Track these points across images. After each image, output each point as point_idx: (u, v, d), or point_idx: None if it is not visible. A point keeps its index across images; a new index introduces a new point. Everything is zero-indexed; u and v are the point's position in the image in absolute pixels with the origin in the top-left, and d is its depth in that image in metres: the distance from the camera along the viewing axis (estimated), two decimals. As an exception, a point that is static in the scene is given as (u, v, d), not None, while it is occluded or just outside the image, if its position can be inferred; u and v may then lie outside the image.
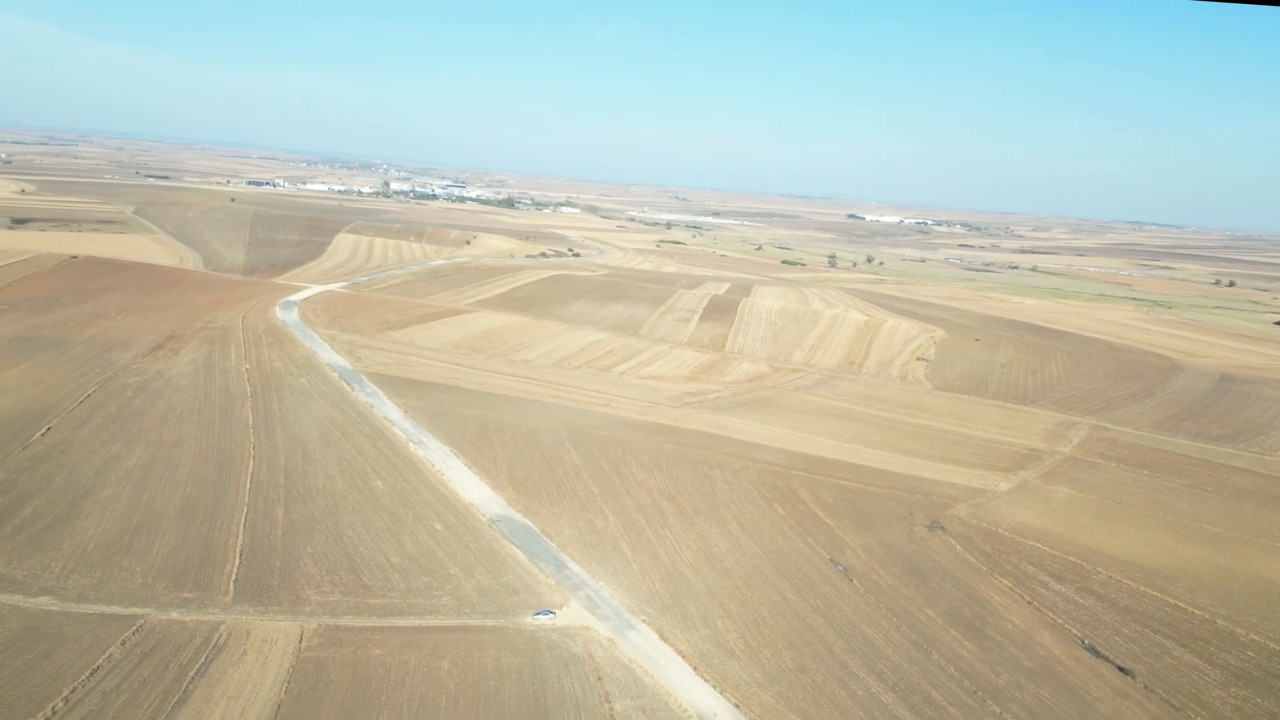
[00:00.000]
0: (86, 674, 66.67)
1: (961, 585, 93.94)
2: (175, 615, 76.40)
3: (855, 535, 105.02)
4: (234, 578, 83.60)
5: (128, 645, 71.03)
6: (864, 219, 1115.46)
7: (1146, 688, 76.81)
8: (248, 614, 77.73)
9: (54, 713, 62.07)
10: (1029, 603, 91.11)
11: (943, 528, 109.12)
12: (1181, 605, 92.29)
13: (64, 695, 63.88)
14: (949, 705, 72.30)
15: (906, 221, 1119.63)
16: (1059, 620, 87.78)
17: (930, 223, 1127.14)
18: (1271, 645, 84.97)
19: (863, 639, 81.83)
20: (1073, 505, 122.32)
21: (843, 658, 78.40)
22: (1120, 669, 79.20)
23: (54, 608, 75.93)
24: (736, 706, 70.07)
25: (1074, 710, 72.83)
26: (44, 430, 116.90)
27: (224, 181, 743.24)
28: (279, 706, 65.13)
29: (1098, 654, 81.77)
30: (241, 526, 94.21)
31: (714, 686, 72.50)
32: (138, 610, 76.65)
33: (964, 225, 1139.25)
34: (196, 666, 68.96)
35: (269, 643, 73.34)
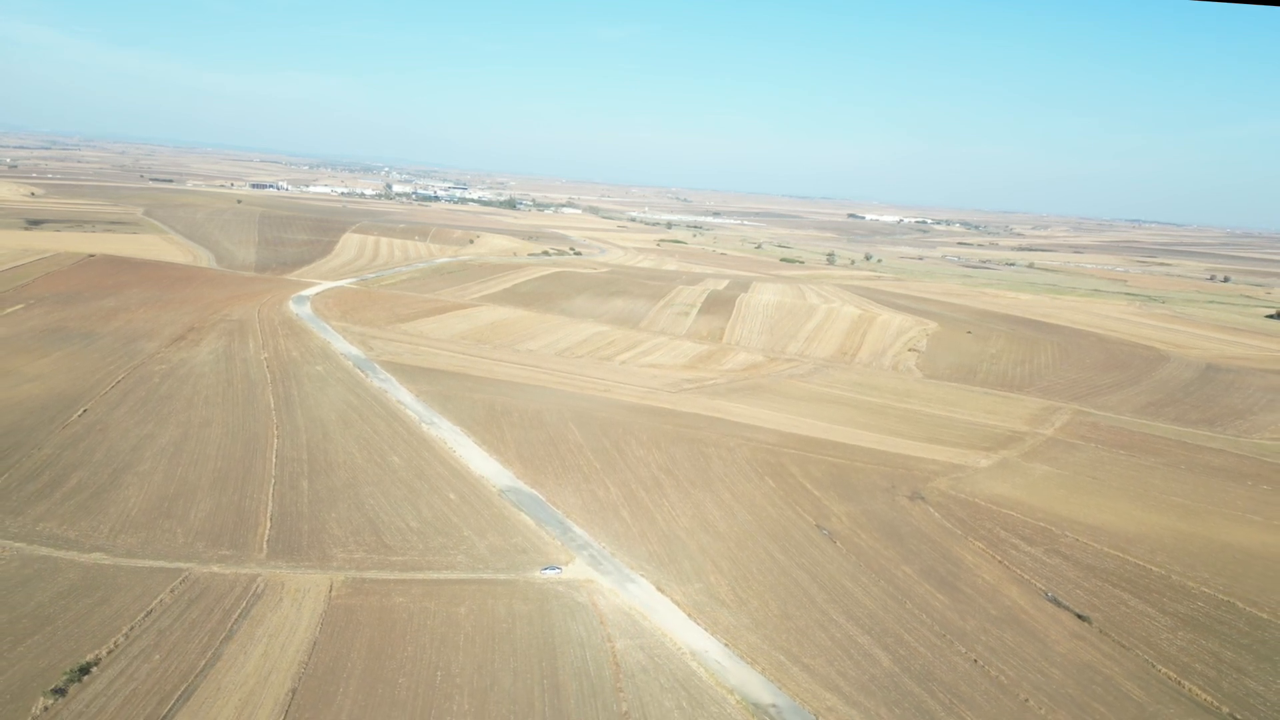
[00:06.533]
0: (142, 615, 74.30)
1: (937, 547, 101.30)
2: (216, 569, 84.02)
3: (840, 504, 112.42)
4: (266, 538, 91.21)
5: (176, 593, 78.64)
6: (864, 218, 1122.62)
7: (1101, 632, 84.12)
8: (281, 568, 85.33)
9: (116, 646, 69.66)
10: (999, 562, 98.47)
11: (923, 498, 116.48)
12: (1141, 563, 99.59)
13: (124, 631, 71.50)
14: (919, 645, 79.69)
15: (906, 221, 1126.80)
16: (1026, 576, 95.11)
17: (930, 222, 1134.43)
18: (1220, 596, 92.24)
19: (843, 591, 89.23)
20: (1049, 480, 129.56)
21: (824, 607, 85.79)
22: (1079, 616, 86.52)
23: (107, 562, 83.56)
24: (726, 646, 77.50)
25: (1033, 650, 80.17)
26: (80, 412, 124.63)
27: (228, 184, 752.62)
28: (314, 643, 72.65)
29: (1059, 604, 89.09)
30: (270, 495, 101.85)
31: (706, 629, 79.94)
32: (182, 564, 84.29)
33: (964, 224, 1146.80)
34: (239, 610, 76.55)
35: (302, 592, 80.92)
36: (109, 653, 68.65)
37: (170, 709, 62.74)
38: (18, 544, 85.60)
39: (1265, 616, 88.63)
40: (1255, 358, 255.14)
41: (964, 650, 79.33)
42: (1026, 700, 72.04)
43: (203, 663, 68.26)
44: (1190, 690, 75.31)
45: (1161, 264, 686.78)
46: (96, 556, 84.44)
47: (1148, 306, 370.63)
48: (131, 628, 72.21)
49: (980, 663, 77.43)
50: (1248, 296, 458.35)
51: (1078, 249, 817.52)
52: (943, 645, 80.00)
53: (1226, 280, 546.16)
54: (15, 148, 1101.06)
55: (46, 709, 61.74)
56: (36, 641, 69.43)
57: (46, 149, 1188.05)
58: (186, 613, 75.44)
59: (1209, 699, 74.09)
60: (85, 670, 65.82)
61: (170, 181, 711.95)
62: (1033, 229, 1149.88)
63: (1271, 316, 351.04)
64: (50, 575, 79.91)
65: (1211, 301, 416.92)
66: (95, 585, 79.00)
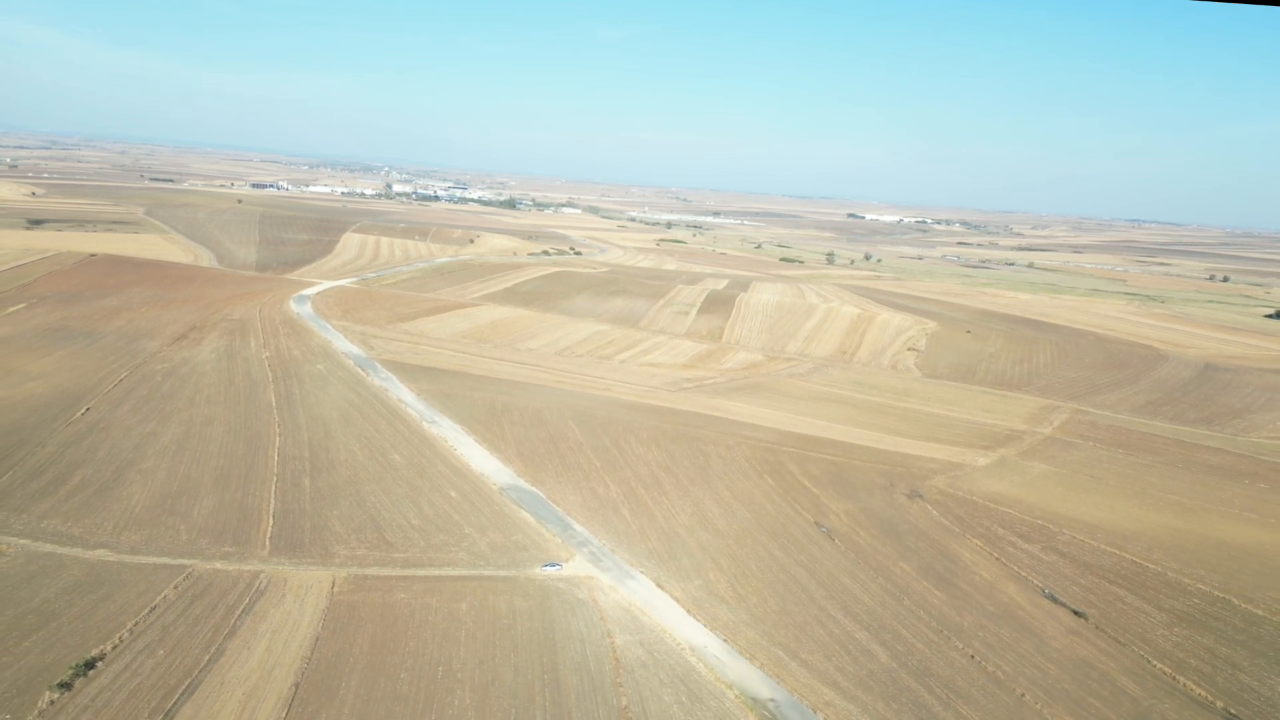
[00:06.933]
0: (146, 611, 74.94)
1: (935, 544, 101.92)
2: (219, 565, 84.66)
3: (839, 502, 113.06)
4: (269, 535, 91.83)
5: (180, 589, 79.27)
6: (864, 218, 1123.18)
7: (1097, 628, 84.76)
8: (284, 565, 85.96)
9: (120, 641, 70.31)
10: (996, 559, 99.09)
11: (921, 496, 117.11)
12: (1138, 560, 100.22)
13: (129, 627, 72.15)
14: (916, 641, 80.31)
15: (906, 220, 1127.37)
16: (1023, 573, 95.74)
17: (930, 221, 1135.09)
18: (1216, 593, 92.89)
19: (841, 588, 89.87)
20: (1046, 478, 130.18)
21: (822, 603, 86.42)
22: (1075, 612, 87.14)
23: (111, 558, 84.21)
24: (725, 641, 78.14)
25: (1030, 646, 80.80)
26: (83, 410, 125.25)
27: (228, 184, 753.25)
28: (317, 639, 73.28)
29: (1056, 601, 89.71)
30: (272, 493, 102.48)
31: (705, 625, 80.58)
32: (185, 561, 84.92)
33: (964, 224, 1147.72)
34: (243, 606, 77.19)
35: (305, 588, 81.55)
36: (114, 648, 69.28)
37: (175, 703, 63.38)
38: (22, 541, 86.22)
39: (1260, 613, 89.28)
40: (1254, 357, 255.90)
41: (961, 646, 79.96)
42: (1023, 695, 72.68)
43: (206, 658, 68.89)
44: (1185, 685, 75.94)
45: (1161, 264, 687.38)
46: (100, 553, 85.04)
47: (1147, 306, 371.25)
48: (136, 623, 72.85)
49: (977, 658, 78.07)
50: (1247, 296, 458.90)
51: (1077, 249, 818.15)
52: (940, 641, 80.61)
53: (1226, 280, 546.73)
54: (15, 148, 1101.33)
55: (52, 703, 62.40)
56: (42, 637, 70.09)
57: (46, 149, 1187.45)
58: (190, 609, 76.07)
59: (1204, 694, 74.72)
60: (90, 665, 66.47)
61: (170, 181, 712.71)
62: (1032, 229, 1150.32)
63: (1270, 316, 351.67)
64: (55, 572, 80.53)
65: (1210, 301, 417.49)
66: (99, 582, 79.61)
